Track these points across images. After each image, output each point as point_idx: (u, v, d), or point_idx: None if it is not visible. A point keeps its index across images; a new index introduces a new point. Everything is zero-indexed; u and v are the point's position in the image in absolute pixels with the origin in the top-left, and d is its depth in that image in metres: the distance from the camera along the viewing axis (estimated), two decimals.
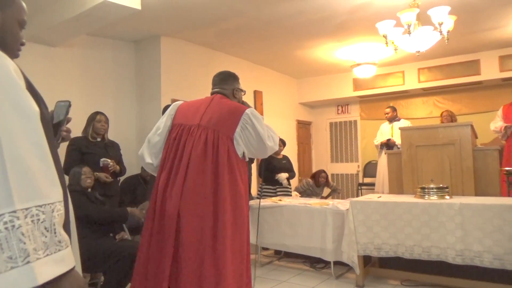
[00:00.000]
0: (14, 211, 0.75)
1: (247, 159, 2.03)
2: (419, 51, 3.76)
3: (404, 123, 5.68)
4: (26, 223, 0.76)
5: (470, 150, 3.48)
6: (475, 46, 5.78)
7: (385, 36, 3.73)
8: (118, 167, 3.63)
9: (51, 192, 0.82)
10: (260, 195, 4.81)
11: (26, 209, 0.76)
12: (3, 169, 0.76)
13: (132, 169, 4.72)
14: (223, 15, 4.35)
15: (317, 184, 5.33)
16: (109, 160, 3.50)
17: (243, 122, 1.96)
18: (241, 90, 2.26)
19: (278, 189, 4.87)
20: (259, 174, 4.91)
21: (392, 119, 5.81)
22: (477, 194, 3.42)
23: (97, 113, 3.66)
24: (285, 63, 6.61)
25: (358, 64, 5.98)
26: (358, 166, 7.75)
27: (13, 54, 1.03)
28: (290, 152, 7.33)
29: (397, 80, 6.82)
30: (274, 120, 6.94)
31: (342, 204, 3.62)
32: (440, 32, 3.50)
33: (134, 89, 5.15)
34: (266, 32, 4.98)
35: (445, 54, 6.05)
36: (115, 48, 4.99)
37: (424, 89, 6.75)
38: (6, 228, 0.74)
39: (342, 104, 8.03)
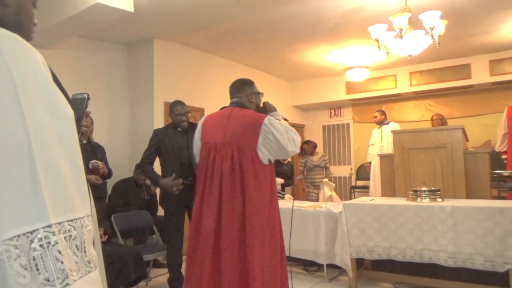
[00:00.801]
0: (49, 226, 0.66)
1: (272, 162, 2.19)
2: (410, 55, 3.80)
3: (393, 126, 5.75)
4: (61, 240, 0.67)
5: (461, 153, 3.52)
6: (466, 50, 5.85)
7: (377, 40, 3.76)
8: (106, 170, 3.60)
9: (81, 204, 0.73)
10: None
11: (59, 223, 0.68)
12: (35, 178, 0.67)
13: (124, 173, 4.69)
14: (216, 18, 4.35)
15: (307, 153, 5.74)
16: (99, 162, 3.47)
17: (263, 133, 2.11)
18: (258, 93, 2.36)
19: None
20: None
21: (381, 123, 5.89)
22: (468, 197, 3.46)
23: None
24: (278, 66, 6.63)
25: (351, 68, 6.01)
26: (351, 169, 7.78)
27: (28, 36, 0.94)
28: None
29: (389, 83, 6.88)
30: None
31: (335, 207, 3.62)
32: (432, 36, 3.54)
33: (126, 91, 5.13)
34: (259, 35, 4.99)
35: (437, 58, 6.12)
36: (107, 51, 4.97)
37: (416, 92, 6.81)
38: (41, 246, 0.64)
39: (335, 107, 8.06)
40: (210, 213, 2.07)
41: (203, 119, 2.37)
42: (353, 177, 7.60)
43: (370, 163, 6.11)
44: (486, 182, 3.55)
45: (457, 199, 3.31)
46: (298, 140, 2.21)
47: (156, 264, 4.16)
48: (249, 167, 2.07)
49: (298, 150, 2.25)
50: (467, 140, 4.17)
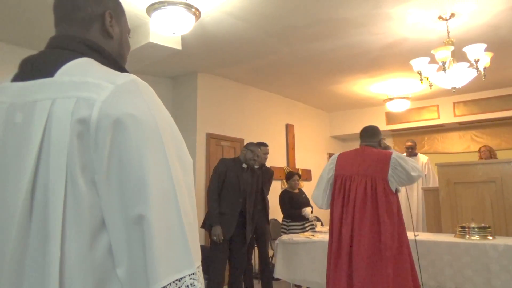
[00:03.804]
0: (194, 273, 0.69)
1: (399, 191, 2.71)
2: (455, 88, 3.73)
3: (421, 158, 5.57)
4: (199, 285, 0.70)
5: None
6: None
7: (419, 73, 3.74)
8: None
9: (199, 252, 0.75)
10: (287, 232, 4.73)
11: (197, 270, 0.71)
12: (181, 227, 0.69)
13: None
14: (257, 52, 4.51)
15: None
16: None
17: (392, 165, 2.61)
18: (383, 138, 2.98)
19: (306, 224, 4.80)
20: (283, 211, 4.86)
21: (411, 154, 5.64)
22: None
23: None
24: (317, 97, 6.68)
25: (391, 98, 5.96)
26: None
27: (124, 66, 0.95)
28: None
29: (431, 114, 6.72)
30: (305, 153, 6.95)
31: None
32: (477, 68, 3.48)
33: None
34: (299, 68, 5.10)
35: (481, 88, 5.95)
36: (154, 84, 5.13)
37: (460, 123, 6.61)
38: None
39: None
40: (347, 230, 2.58)
41: (337, 155, 2.92)
42: None
43: None
44: None
45: (510, 237, 3.14)
46: (419, 167, 2.70)
47: None
48: (381, 194, 2.55)
49: (422, 175, 2.79)
50: None
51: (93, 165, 0.68)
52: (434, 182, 5.34)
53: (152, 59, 3.95)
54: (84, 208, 0.68)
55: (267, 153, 4.25)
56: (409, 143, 5.64)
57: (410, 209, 5.08)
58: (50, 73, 0.74)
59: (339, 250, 2.61)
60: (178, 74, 5.26)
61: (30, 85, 0.75)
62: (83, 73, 0.73)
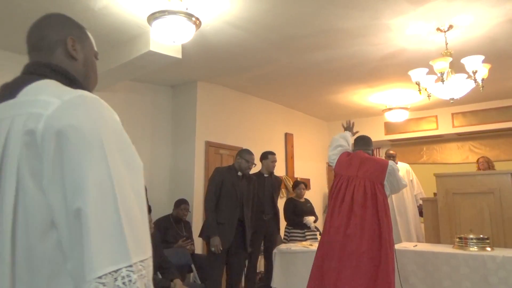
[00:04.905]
0: (131, 266, 0.75)
1: (388, 196, 2.91)
2: (453, 99, 3.75)
3: (404, 166, 5.62)
4: (137, 278, 0.75)
5: (511, 200, 3.36)
6: (511, 91, 5.69)
7: (418, 84, 3.76)
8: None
9: (148, 246, 0.82)
10: (288, 239, 4.76)
11: (135, 264, 0.76)
12: (119, 222, 0.76)
13: (164, 209, 4.81)
14: (257, 62, 4.54)
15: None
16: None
17: (389, 172, 2.84)
18: (374, 150, 3.16)
19: (306, 233, 4.81)
20: (285, 218, 4.89)
21: None
22: None
23: None
24: (316, 107, 6.71)
25: (390, 109, 5.98)
26: None
27: (93, 86, 1.09)
28: (321, 194, 7.26)
29: (430, 124, 6.74)
30: (304, 163, 6.95)
31: None
32: (475, 80, 3.50)
33: (169, 131, 5.35)
34: (298, 78, 5.12)
35: (480, 99, 5.97)
36: (154, 93, 5.26)
37: (458, 134, 6.63)
38: (124, 283, 0.73)
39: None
40: (338, 228, 2.76)
41: (340, 154, 3.11)
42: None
43: None
44: None
45: (508, 248, 3.13)
46: (405, 181, 3.02)
47: None
48: (380, 196, 2.76)
49: (406, 184, 3.15)
50: None
51: (42, 171, 0.78)
52: (419, 187, 5.58)
53: (152, 68, 3.96)
54: (34, 209, 0.78)
55: (275, 161, 4.39)
56: (392, 152, 5.76)
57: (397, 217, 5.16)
58: (14, 95, 0.88)
59: (329, 251, 2.78)
60: (178, 83, 5.28)
61: (1, 107, 0.89)
62: (38, 92, 0.86)
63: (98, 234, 0.74)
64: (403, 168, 5.54)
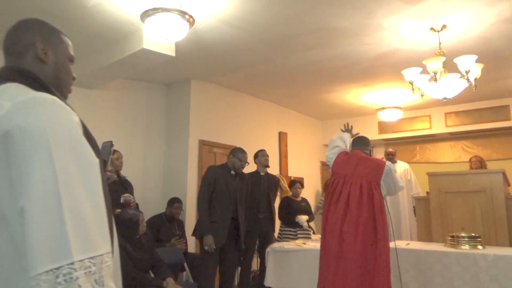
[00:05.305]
0: (72, 263, 0.77)
1: (384, 196, 2.93)
2: (446, 98, 3.77)
3: (403, 165, 5.62)
4: (81, 275, 0.78)
5: (502, 198, 3.38)
6: (504, 91, 5.74)
7: (411, 83, 3.77)
8: (136, 203, 3.68)
9: (101, 243, 0.84)
10: (281, 238, 4.77)
11: (81, 261, 0.78)
12: (61, 220, 0.78)
13: (157, 208, 4.79)
14: (251, 61, 4.53)
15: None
16: (131, 196, 3.54)
17: (386, 172, 2.87)
18: (371, 150, 3.26)
19: (298, 232, 4.82)
20: (279, 216, 4.90)
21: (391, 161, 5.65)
22: (511, 245, 3.28)
23: (114, 151, 3.68)
24: (310, 106, 6.71)
25: (384, 108, 6.00)
26: None
27: (67, 89, 1.12)
28: (314, 193, 7.27)
29: (423, 124, 6.78)
30: (298, 162, 6.96)
31: None
32: (467, 79, 3.52)
33: (163, 129, 5.33)
34: (292, 77, 5.12)
35: (473, 99, 6.02)
36: (148, 91, 5.24)
37: (451, 133, 6.67)
38: (65, 281, 0.76)
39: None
40: (334, 225, 2.81)
41: (338, 153, 3.14)
42: None
43: None
44: None
45: (499, 247, 3.15)
46: (402, 182, 3.04)
47: None
48: (377, 195, 2.78)
49: (404, 187, 3.27)
50: (509, 184, 4.02)
51: None
52: (416, 188, 5.50)
53: (146, 66, 3.94)
54: None
55: (266, 155, 4.43)
56: (391, 150, 5.73)
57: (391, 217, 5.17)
58: None
59: (326, 249, 2.85)
60: (171, 81, 5.26)
61: None
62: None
63: (39, 232, 0.76)
64: (401, 167, 5.54)
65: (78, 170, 0.84)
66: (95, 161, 0.90)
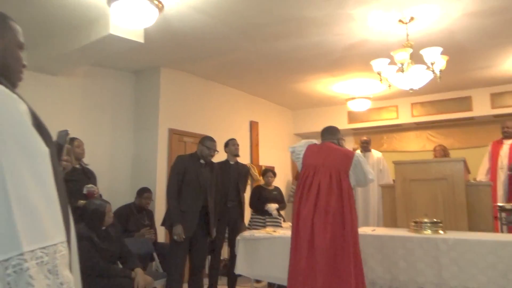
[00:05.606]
0: (22, 254, 0.76)
1: (353, 186, 2.96)
2: (412, 89, 3.88)
3: (376, 154, 5.77)
4: (32, 266, 0.77)
5: (462, 185, 3.54)
6: (467, 83, 5.96)
7: (379, 73, 3.85)
8: (100, 194, 3.59)
9: (54, 233, 0.83)
10: (251, 226, 4.81)
11: (32, 251, 0.77)
12: (8, 211, 0.77)
13: (125, 198, 4.71)
14: (221, 49, 4.49)
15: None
16: (94, 187, 3.45)
17: (354, 163, 2.89)
18: (343, 139, 3.24)
19: (267, 220, 4.88)
20: (250, 204, 4.94)
21: (364, 150, 5.77)
22: (470, 229, 3.45)
23: (74, 138, 3.49)
24: (281, 95, 6.74)
25: (353, 98, 6.11)
26: None
27: (17, 77, 1.09)
28: (285, 182, 7.35)
29: (390, 114, 6.97)
30: (269, 151, 7.00)
31: None
32: (433, 71, 3.63)
33: (132, 118, 5.21)
34: (263, 65, 5.12)
35: (438, 90, 6.22)
36: (115, 78, 5.09)
37: (417, 123, 6.89)
38: (14, 272, 0.75)
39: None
40: (306, 215, 2.83)
41: (307, 145, 3.15)
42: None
43: None
44: (488, 215, 3.55)
45: (459, 231, 3.30)
46: (373, 173, 3.09)
47: None
48: (345, 186, 2.83)
49: (374, 179, 3.20)
50: (469, 172, 4.19)
51: None
52: (388, 177, 5.58)
53: (113, 52, 3.82)
54: None
55: (236, 144, 4.39)
56: (365, 138, 5.84)
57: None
58: None
59: (298, 239, 2.86)
60: (140, 69, 5.14)
61: None
62: None
63: None
64: (374, 156, 5.66)
65: (25, 160, 0.82)
66: (45, 150, 0.88)
